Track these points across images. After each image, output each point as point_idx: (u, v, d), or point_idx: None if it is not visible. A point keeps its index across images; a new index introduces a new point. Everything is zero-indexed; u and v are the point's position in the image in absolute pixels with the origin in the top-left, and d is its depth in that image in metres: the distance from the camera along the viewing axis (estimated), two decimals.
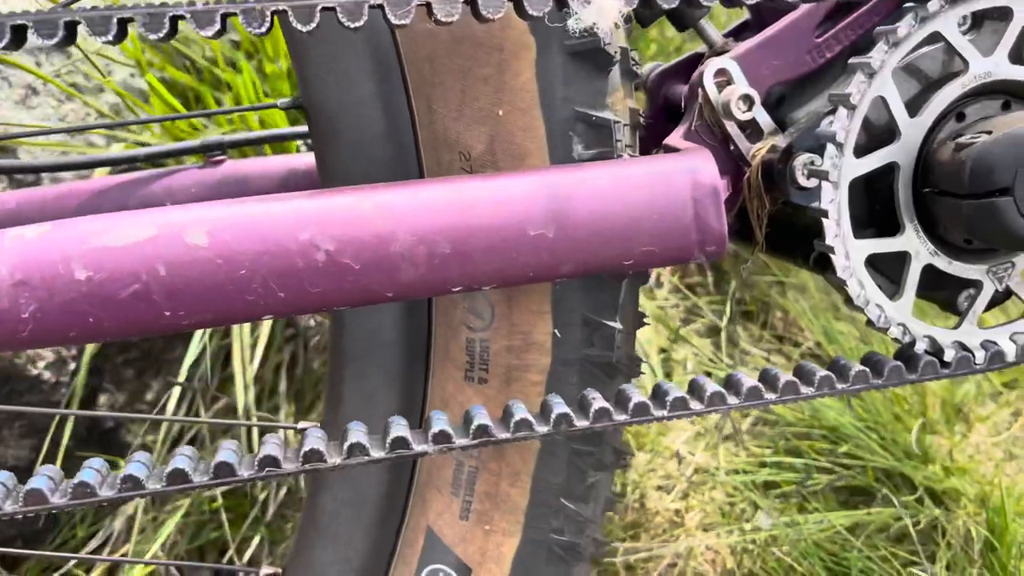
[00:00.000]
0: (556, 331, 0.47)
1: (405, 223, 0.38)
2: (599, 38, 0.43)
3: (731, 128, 0.47)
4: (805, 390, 0.45)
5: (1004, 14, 0.44)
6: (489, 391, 0.48)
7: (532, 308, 0.46)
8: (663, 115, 0.58)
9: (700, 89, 0.47)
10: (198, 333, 0.80)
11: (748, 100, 0.47)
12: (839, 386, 0.45)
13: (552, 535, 0.50)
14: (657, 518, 0.81)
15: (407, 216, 0.38)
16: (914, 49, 0.44)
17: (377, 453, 0.40)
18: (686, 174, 0.42)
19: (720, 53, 0.51)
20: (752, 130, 0.48)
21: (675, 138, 0.49)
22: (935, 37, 0.44)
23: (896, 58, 0.43)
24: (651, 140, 0.55)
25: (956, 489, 0.78)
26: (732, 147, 0.48)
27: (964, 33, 0.46)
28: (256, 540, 0.80)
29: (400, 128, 0.46)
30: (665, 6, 0.43)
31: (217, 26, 0.36)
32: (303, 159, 0.59)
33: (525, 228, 0.40)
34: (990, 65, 0.44)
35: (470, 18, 0.39)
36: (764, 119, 0.47)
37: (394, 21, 0.37)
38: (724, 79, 0.47)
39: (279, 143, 0.69)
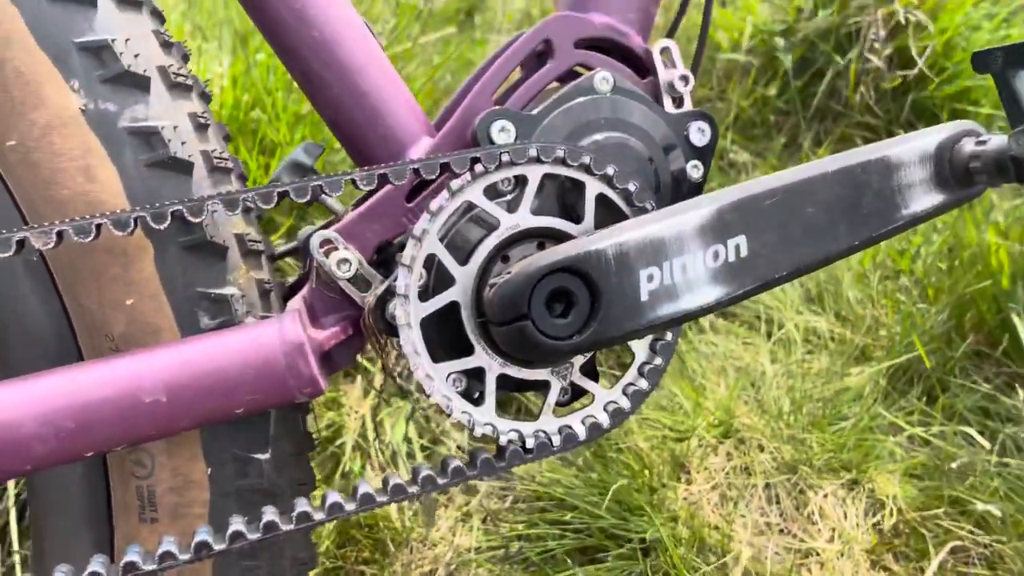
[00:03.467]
0: (209, 469, 0.55)
1: (31, 410, 0.47)
2: (206, 233, 0.54)
3: (343, 284, 0.58)
4: (411, 489, 0.55)
5: (523, 180, 0.57)
6: (161, 528, 0.55)
7: (186, 454, 0.55)
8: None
9: (311, 256, 0.58)
10: None
11: (347, 262, 0.57)
12: (440, 481, 0.55)
13: None
14: None
15: (31, 404, 0.47)
16: (458, 212, 0.56)
17: None
18: (276, 335, 0.52)
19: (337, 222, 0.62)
20: (362, 282, 0.59)
21: (300, 294, 0.60)
22: (470, 206, 0.56)
23: (438, 224, 0.55)
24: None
25: (674, 535, 0.89)
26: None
27: (510, 192, 0.58)
28: None
29: (58, 323, 0.54)
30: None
31: None
32: None
33: (140, 397, 0.49)
34: (518, 219, 0.56)
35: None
36: (369, 272, 0.58)
37: (38, 246, 0.47)
38: (331, 246, 0.58)
39: None
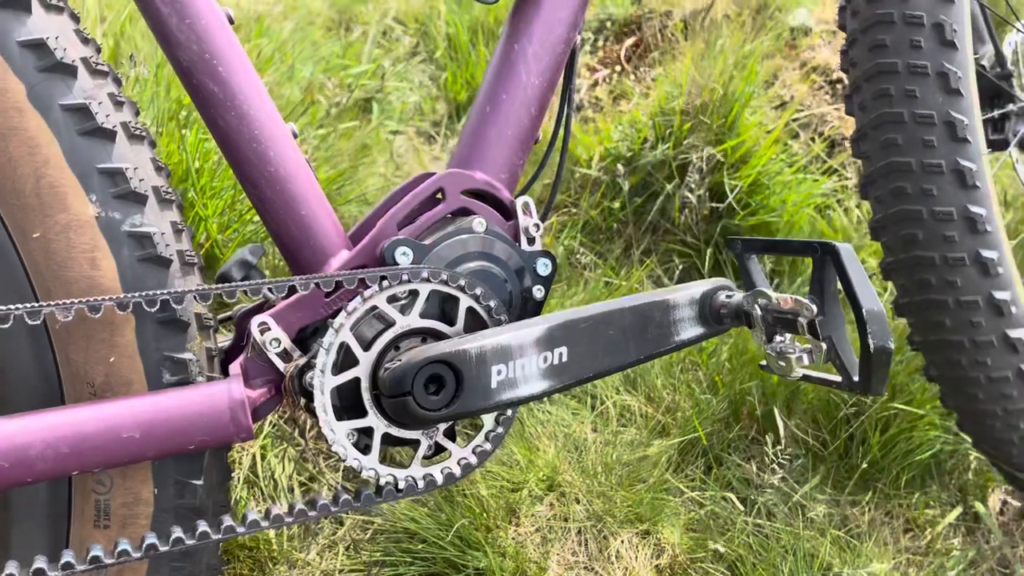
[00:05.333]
0: (156, 490, 0.71)
1: (38, 436, 0.62)
2: (177, 312, 0.71)
3: (272, 356, 0.76)
4: (311, 513, 0.73)
5: (415, 292, 0.77)
6: (111, 533, 0.71)
7: (139, 478, 0.71)
8: (241, 339, 0.86)
9: (248, 334, 0.76)
10: None
11: (277, 340, 0.76)
12: (332, 508, 0.74)
13: None
14: None
15: (39, 432, 0.62)
16: (367, 313, 0.76)
17: None
18: (225, 393, 0.69)
19: (271, 306, 0.80)
20: (287, 355, 0.77)
21: (237, 362, 0.77)
22: (375, 308, 0.76)
23: (352, 321, 0.74)
24: (232, 357, 0.82)
25: (496, 568, 1.09)
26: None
27: (404, 299, 0.78)
28: None
29: (48, 371, 0.69)
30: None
31: None
32: None
33: (119, 432, 0.65)
34: (409, 320, 0.77)
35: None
36: (291, 347, 0.77)
37: (60, 318, 0.62)
38: (265, 326, 0.76)
39: None
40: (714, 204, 1.77)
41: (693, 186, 1.70)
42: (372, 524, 1.16)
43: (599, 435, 1.37)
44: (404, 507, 1.16)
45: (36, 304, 0.62)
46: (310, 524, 1.11)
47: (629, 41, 2.36)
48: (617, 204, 1.80)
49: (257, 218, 1.34)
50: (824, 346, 0.74)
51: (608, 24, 2.44)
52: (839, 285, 0.76)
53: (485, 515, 1.16)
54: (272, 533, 1.09)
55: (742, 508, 1.27)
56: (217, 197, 1.30)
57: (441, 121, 2.17)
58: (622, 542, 1.21)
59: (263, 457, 1.14)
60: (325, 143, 1.65)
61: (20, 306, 0.62)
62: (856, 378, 0.75)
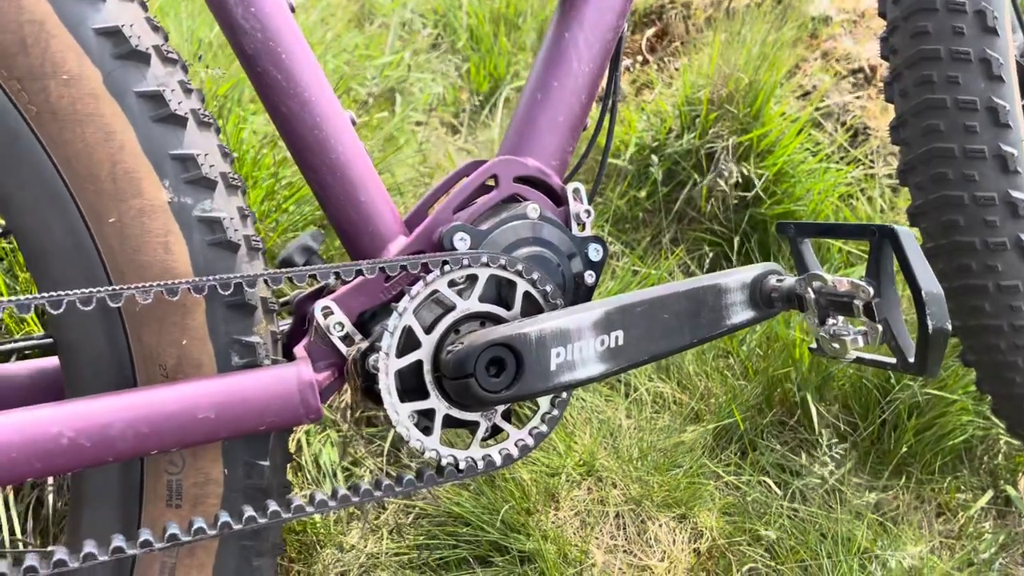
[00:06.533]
0: (226, 470, 0.72)
1: (119, 416, 0.63)
2: (245, 296, 0.72)
3: (334, 340, 0.77)
4: (376, 493, 0.74)
5: (474, 277, 0.78)
6: (183, 513, 0.72)
7: (209, 458, 0.72)
8: (301, 324, 0.87)
9: (312, 318, 0.77)
10: None
11: (340, 324, 0.77)
12: (397, 489, 0.75)
13: None
14: None
15: (120, 411, 0.63)
16: (428, 297, 0.77)
17: (102, 557, 0.63)
18: (295, 376, 0.70)
19: (330, 291, 0.81)
20: (349, 339, 0.78)
21: (301, 346, 0.78)
22: (435, 292, 0.77)
23: (414, 305, 0.75)
24: (294, 340, 0.83)
25: (541, 550, 1.10)
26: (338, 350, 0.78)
27: (463, 284, 0.79)
28: None
29: (121, 353, 0.70)
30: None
31: None
32: (52, 362, 0.81)
33: (196, 413, 0.66)
34: (468, 304, 0.78)
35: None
36: (353, 331, 0.78)
37: (140, 301, 0.63)
38: (328, 310, 0.78)
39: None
40: (741, 193, 1.78)
41: (726, 173, 1.70)
42: (414, 508, 1.18)
43: (633, 421, 1.38)
44: (447, 491, 1.17)
45: (117, 288, 0.63)
46: (355, 509, 1.13)
47: (651, 31, 2.36)
48: (644, 193, 1.81)
49: (294, 207, 1.36)
50: (880, 328, 0.75)
51: (629, 14, 2.43)
52: (895, 267, 0.76)
53: (526, 499, 1.17)
54: (318, 518, 1.10)
55: (779, 492, 1.28)
56: (257, 186, 1.31)
57: (465, 111, 2.18)
58: (660, 526, 1.22)
59: (308, 443, 1.15)
60: (358, 135, 1.66)
61: (102, 289, 0.63)
62: (912, 360, 0.76)
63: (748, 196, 1.77)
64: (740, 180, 1.81)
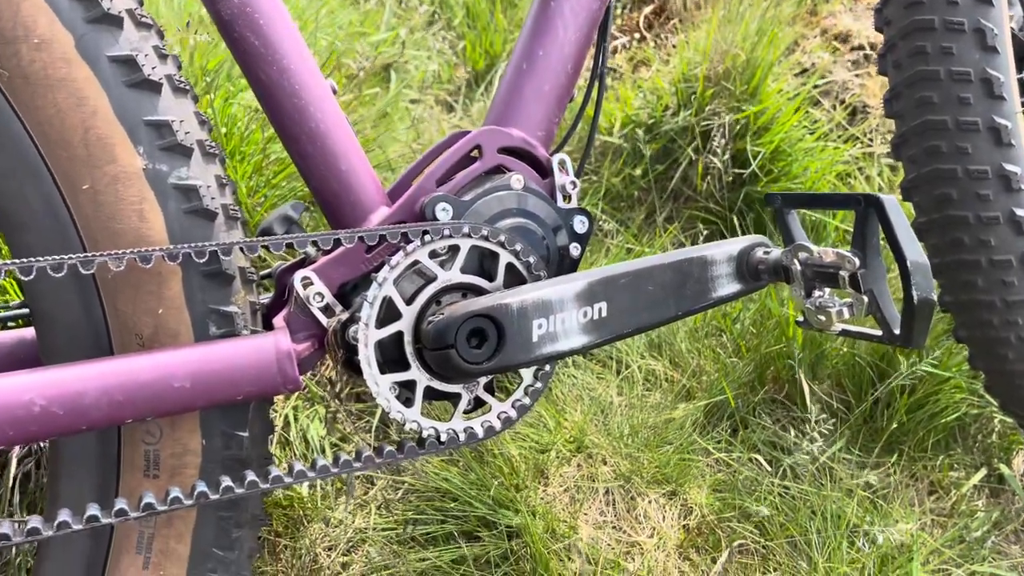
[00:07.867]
0: (204, 441, 0.72)
1: (92, 384, 0.63)
2: (222, 265, 0.71)
3: (314, 311, 0.77)
4: (356, 464, 0.74)
5: (456, 248, 0.77)
6: (160, 483, 0.72)
7: (187, 428, 0.71)
8: (281, 295, 0.86)
9: (293, 288, 0.76)
10: None
11: (320, 295, 0.76)
12: (377, 460, 0.75)
13: (209, 574, 0.74)
14: (325, 571, 1.06)
15: (93, 379, 0.63)
16: (408, 267, 0.76)
17: (76, 526, 0.62)
18: (272, 345, 0.69)
19: (312, 262, 0.80)
20: (329, 310, 0.77)
21: (280, 316, 0.78)
22: (416, 263, 0.76)
23: (395, 275, 0.75)
24: (274, 312, 0.82)
25: (528, 526, 1.10)
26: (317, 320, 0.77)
27: (445, 255, 0.78)
28: None
29: (96, 322, 0.70)
30: None
31: None
32: (31, 332, 0.80)
33: (171, 382, 0.65)
34: (450, 275, 0.77)
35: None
36: (333, 302, 0.77)
37: (113, 268, 0.63)
38: (308, 281, 0.77)
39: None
40: (737, 171, 1.76)
41: (718, 150, 1.69)
42: (403, 484, 1.17)
43: (624, 399, 1.38)
44: (435, 466, 1.17)
45: (89, 254, 0.63)
46: (342, 483, 1.12)
47: (648, 8, 2.33)
48: (639, 171, 1.79)
49: (284, 182, 1.35)
50: (866, 299, 0.74)
51: None
52: (881, 238, 0.75)
53: (514, 475, 1.17)
54: (305, 492, 1.10)
55: (769, 469, 1.27)
56: (246, 161, 1.30)
57: (460, 89, 2.16)
58: (649, 502, 1.21)
59: (295, 419, 1.15)
60: (348, 109, 1.64)
61: (73, 256, 0.62)
62: (897, 331, 0.75)
63: (744, 174, 1.76)
64: (735, 158, 1.80)
